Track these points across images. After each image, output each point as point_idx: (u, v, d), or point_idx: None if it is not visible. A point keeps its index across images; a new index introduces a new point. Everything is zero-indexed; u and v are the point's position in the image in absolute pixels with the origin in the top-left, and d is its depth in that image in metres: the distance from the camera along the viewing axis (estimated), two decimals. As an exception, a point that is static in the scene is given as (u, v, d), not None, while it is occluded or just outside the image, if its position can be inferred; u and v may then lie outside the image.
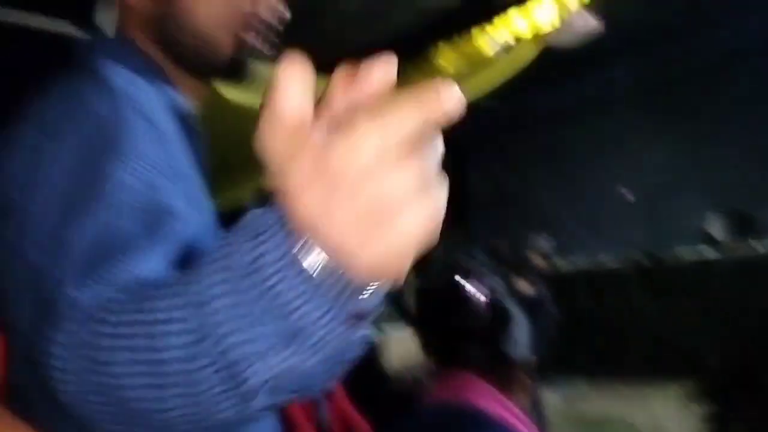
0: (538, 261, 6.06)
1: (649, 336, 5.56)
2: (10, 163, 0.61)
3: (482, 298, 1.04)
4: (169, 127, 0.69)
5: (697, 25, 6.46)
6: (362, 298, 0.41)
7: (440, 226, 0.39)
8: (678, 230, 6.64)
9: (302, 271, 0.39)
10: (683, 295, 5.34)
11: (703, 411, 4.59)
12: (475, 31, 4.92)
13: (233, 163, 4.09)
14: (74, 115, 0.61)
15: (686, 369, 5.15)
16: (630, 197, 7.33)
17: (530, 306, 4.56)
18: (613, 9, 5.17)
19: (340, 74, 0.40)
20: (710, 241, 6.04)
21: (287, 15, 0.73)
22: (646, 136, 7.28)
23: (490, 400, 0.97)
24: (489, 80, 4.39)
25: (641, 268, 5.69)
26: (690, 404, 4.69)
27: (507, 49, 5.16)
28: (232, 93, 2.40)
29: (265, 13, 0.71)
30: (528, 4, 4.60)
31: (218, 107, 3.15)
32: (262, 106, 0.39)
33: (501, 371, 1.03)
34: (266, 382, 0.43)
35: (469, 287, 1.04)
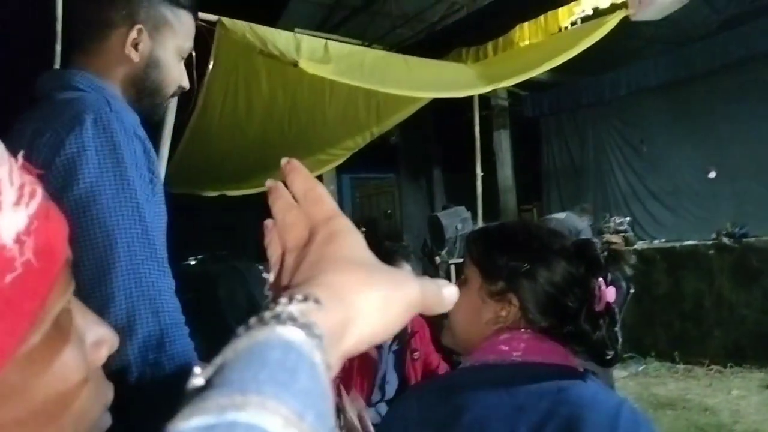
0: (613, 239, 5.94)
1: (730, 319, 5.35)
2: None
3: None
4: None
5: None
6: None
7: None
8: (763, 210, 6.31)
9: None
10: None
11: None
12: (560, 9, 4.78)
13: (309, 128, 4.28)
14: None
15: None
16: (713, 175, 6.99)
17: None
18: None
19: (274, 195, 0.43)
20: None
21: (187, 88, 1.24)
22: (730, 116, 6.91)
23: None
24: (564, 51, 4.26)
25: (723, 248, 5.45)
26: (772, 390, 4.51)
27: (584, 19, 4.99)
28: (312, 68, 3.21)
29: (180, 88, 1.23)
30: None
31: (299, 81, 3.35)
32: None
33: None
34: None
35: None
